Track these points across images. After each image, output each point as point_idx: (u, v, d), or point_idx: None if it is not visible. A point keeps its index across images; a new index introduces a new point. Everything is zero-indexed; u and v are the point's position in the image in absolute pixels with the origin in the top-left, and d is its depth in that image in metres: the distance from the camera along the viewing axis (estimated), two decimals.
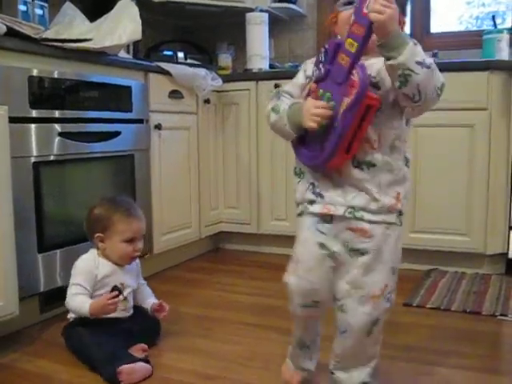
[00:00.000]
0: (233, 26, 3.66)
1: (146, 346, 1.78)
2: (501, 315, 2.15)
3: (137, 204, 2.00)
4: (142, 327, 1.85)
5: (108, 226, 1.82)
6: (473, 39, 3.22)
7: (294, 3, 3.54)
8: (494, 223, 2.69)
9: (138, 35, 2.35)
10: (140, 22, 2.34)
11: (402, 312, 2.20)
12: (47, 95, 2.04)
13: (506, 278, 2.63)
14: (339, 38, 1.34)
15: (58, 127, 2.08)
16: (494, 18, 3.14)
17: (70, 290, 1.78)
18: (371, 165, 1.31)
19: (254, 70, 3.29)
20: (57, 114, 2.09)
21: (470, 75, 2.65)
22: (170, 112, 2.78)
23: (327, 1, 3.64)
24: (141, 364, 1.64)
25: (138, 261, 1.95)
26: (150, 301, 1.95)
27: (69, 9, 2.44)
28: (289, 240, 3.12)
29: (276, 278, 2.71)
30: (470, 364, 1.74)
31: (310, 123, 1.28)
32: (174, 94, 2.80)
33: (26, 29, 2.02)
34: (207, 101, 3.04)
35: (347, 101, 1.23)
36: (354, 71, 1.23)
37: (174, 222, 2.83)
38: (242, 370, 1.72)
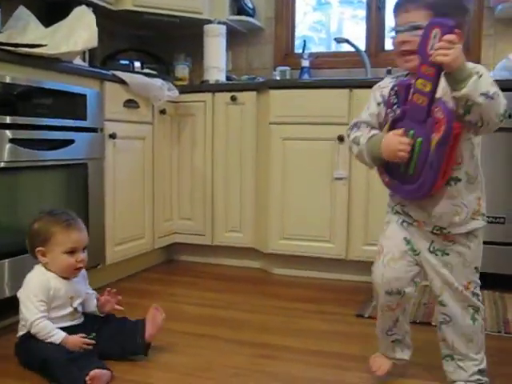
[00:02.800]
0: (190, 37, 3.66)
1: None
2: None
3: (90, 214, 1.97)
4: (115, 330, 1.83)
5: (48, 238, 1.79)
6: None
7: (252, 16, 3.57)
8: None
9: (93, 43, 2.33)
10: (96, 29, 2.32)
11: (354, 323, 2.23)
12: None
13: None
14: (405, 78, 1.50)
15: (8, 133, 2.03)
16: None
17: (34, 308, 1.71)
18: (457, 180, 1.47)
19: (210, 82, 3.29)
20: (8, 119, 2.03)
21: None
22: (125, 121, 2.75)
23: (285, 15, 3.70)
24: (105, 371, 1.63)
25: (84, 271, 1.91)
26: (94, 301, 1.92)
27: (23, 13, 2.40)
28: (243, 251, 3.15)
29: (230, 290, 2.74)
30: (421, 374, 1.76)
31: (395, 158, 1.44)
32: (130, 104, 2.78)
33: None
34: (163, 111, 3.02)
35: (437, 137, 1.36)
36: (434, 108, 1.37)
37: (127, 232, 2.79)
38: (197, 381, 1.70)
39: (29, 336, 1.73)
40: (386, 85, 1.58)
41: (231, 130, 3.10)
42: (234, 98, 3.05)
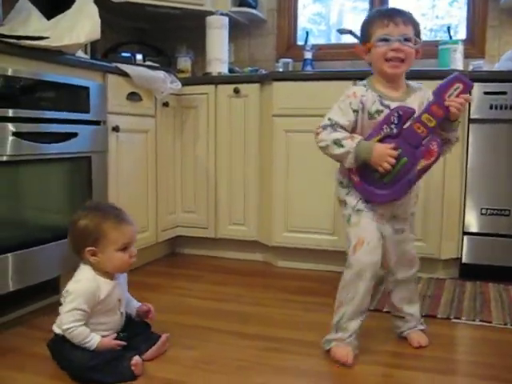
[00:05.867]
0: (192, 29, 3.64)
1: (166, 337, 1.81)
2: (455, 318, 2.19)
3: None
4: (133, 332, 1.80)
5: (99, 237, 1.68)
6: (428, 49, 3.27)
7: (255, 8, 3.55)
8: (449, 229, 2.75)
9: (96, 35, 2.31)
10: (99, 21, 2.30)
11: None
12: (0, 93, 1.97)
13: (460, 282, 2.69)
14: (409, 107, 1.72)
15: (11, 127, 2.01)
16: (449, 29, 3.23)
17: (71, 315, 1.64)
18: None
19: (213, 74, 3.28)
20: (10, 113, 2.01)
21: (426, 84, 2.69)
22: (128, 114, 2.74)
23: (288, 7, 3.68)
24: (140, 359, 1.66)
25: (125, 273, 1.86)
26: (133, 304, 1.89)
27: (24, 5, 2.38)
28: (247, 244, 3.15)
29: (234, 283, 2.74)
30: (427, 366, 1.76)
31: (380, 168, 1.70)
32: (133, 96, 2.76)
33: None
34: (166, 104, 3.01)
35: (424, 163, 1.69)
36: (431, 141, 1.68)
37: None
38: (202, 374, 1.70)
39: (64, 340, 1.67)
40: (363, 93, 1.77)
41: (234, 123, 3.09)
42: (236, 91, 3.03)
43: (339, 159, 1.78)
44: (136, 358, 1.64)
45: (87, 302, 1.66)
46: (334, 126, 1.76)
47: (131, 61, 3.04)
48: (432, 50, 3.19)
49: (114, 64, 2.64)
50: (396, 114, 1.70)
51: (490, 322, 2.15)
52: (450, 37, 3.19)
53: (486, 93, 2.66)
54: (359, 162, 1.73)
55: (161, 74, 2.89)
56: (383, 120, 1.72)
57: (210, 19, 3.33)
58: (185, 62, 3.52)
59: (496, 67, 2.94)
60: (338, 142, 1.73)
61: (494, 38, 3.26)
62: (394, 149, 1.69)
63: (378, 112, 1.74)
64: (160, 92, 2.88)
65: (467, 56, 3.15)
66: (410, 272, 1.92)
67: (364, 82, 1.83)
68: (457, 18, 3.48)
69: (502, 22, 3.24)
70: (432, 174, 2.69)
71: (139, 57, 3.18)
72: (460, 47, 3.07)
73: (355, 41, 3.34)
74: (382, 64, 1.75)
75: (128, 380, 1.61)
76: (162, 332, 1.84)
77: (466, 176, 2.73)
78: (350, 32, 3.32)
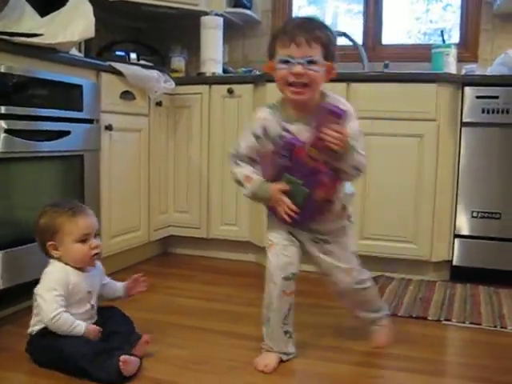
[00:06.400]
0: (187, 29, 3.65)
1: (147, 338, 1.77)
2: (445, 320, 2.20)
3: (85, 205, 1.95)
4: (115, 328, 1.78)
5: (56, 231, 1.73)
6: (422, 52, 3.31)
7: (250, 9, 3.55)
8: (440, 231, 2.76)
9: (90, 33, 2.31)
10: (93, 19, 2.30)
11: (350, 317, 2.22)
12: None
13: (451, 285, 2.70)
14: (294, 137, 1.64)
15: (3, 124, 2.00)
16: (442, 33, 3.24)
17: (54, 302, 1.65)
18: (331, 205, 1.74)
19: (207, 74, 3.28)
20: (3, 109, 2.01)
21: (419, 86, 2.72)
22: (122, 113, 2.73)
23: (282, 8, 3.68)
24: (133, 357, 1.64)
25: (99, 264, 1.87)
26: (120, 285, 1.91)
27: (18, 2, 2.37)
28: (238, 245, 3.14)
29: (226, 283, 2.73)
30: (417, 367, 1.77)
31: (279, 208, 1.66)
32: (126, 95, 2.76)
33: None
34: (159, 103, 3.01)
35: (321, 194, 1.64)
36: (321, 173, 1.61)
37: (122, 224, 2.78)
38: (193, 374, 1.70)
39: (45, 332, 1.67)
40: (267, 116, 1.70)
41: (227, 123, 3.08)
42: (230, 91, 3.04)
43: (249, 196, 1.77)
44: (126, 356, 1.61)
45: (62, 287, 1.69)
46: (236, 156, 1.73)
47: (125, 60, 3.04)
48: (425, 53, 3.21)
49: (107, 62, 2.63)
50: (285, 146, 1.64)
51: (480, 324, 2.16)
52: (444, 40, 3.21)
53: (478, 97, 2.68)
54: (262, 202, 1.75)
55: (154, 73, 2.88)
56: (275, 151, 1.67)
57: (204, 19, 3.32)
58: (178, 62, 3.52)
59: (488, 71, 2.95)
60: (240, 182, 1.72)
61: (487, 41, 3.27)
62: (284, 191, 1.64)
63: (280, 137, 1.66)
64: (154, 91, 2.87)
65: (460, 60, 3.17)
66: (347, 279, 1.81)
67: (273, 102, 1.74)
68: (450, 23, 3.50)
69: (495, 25, 3.26)
70: (424, 175, 2.72)
71: (133, 56, 3.18)
72: (453, 51, 3.09)
73: (350, 43, 3.36)
74: (283, 88, 1.64)
75: (114, 378, 1.58)
76: (146, 332, 1.82)
77: (457, 178, 2.74)
78: (344, 34, 3.33)
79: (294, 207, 1.63)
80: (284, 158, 1.64)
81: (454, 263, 2.79)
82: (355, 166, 1.63)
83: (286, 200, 1.64)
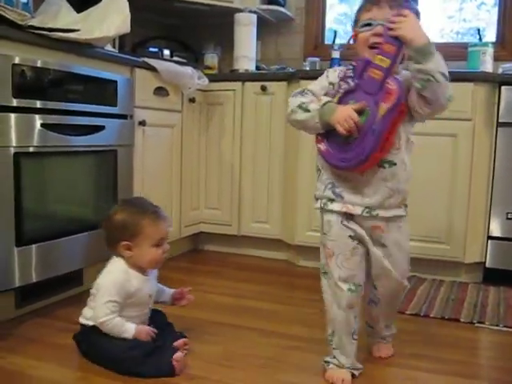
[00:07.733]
0: (220, 26, 3.65)
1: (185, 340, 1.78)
2: (478, 322, 2.16)
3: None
4: (160, 328, 1.78)
5: (137, 232, 1.69)
6: (456, 51, 3.25)
7: (283, 6, 3.54)
8: (474, 232, 2.71)
9: (126, 28, 2.32)
10: (129, 14, 2.31)
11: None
12: (29, 84, 1.98)
13: (483, 287, 2.65)
14: (365, 56, 1.54)
15: (39, 118, 2.03)
16: (479, 31, 3.18)
17: (106, 308, 1.64)
18: (393, 163, 1.54)
19: (240, 71, 3.28)
20: (38, 104, 2.03)
21: (455, 86, 2.63)
22: (155, 109, 2.75)
23: (316, 5, 3.66)
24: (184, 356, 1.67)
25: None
26: (168, 291, 1.91)
27: None
28: (269, 242, 3.14)
29: (256, 280, 2.73)
30: (450, 369, 1.75)
31: (342, 129, 1.48)
32: (160, 91, 2.77)
33: (10, 14, 1.97)
34: (192, 100, 3.02)
35: (386, 106, 1.46)
36: (388, 82, 1.46)
37: None
38: (222, 370, 1.70)
39: (96, 331, 1.67)
40: (343, 70, 1.63)
41: (260, 120, 3.08)
42: (263, 88, 3.03)
43: (303, 127, 1.62)
44: (179, 354, 1.63)
45: (119, 293, 1.67)
46: (304, 91, 1.62)
47: (159, 56, 3.05)
48: (460, 52, 3.16)
49: (141, 58, 2.65)
50: (351, 66, 1.58)
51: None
52: (480, 39, 3.15)
53: None
54: (323, 124, 1.55)
55: (188, 69, 2.89)
56: (341, 78, 1.60)
57: (238, 16, 3.33)
58: (212, 59, 3.53)
59: None
60: (303, 106, 1.58)
61: None
62: (357, 110, 1.49)
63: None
64: (187, 87, 2.88)
65: (497, 59, 3.10)
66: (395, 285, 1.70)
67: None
68: (484, 21, 3.43)
69: None
70: (458, 176, 2.67)
71: (167, 52, 3.20)
72: (490, 50, 3.03)
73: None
74: (364, 52, 1.57)
75: (167, 375, 1.60)
76: (184, 329, 1.84)
77: (492, 179, 2.69)
78: None
79: (359, 123, 1.47)
80: (350, 81, 1.55)
81: (487, 265, 2.74)
82: (443, 73, 1.45)
83: (354, 115, 1.47)
